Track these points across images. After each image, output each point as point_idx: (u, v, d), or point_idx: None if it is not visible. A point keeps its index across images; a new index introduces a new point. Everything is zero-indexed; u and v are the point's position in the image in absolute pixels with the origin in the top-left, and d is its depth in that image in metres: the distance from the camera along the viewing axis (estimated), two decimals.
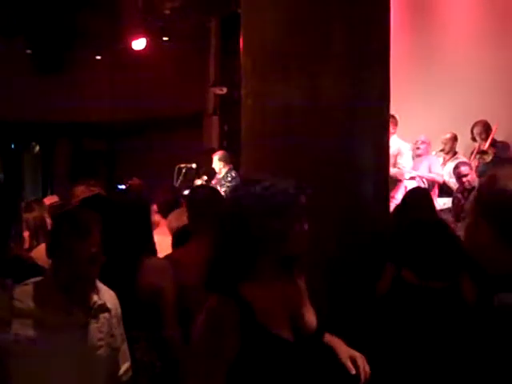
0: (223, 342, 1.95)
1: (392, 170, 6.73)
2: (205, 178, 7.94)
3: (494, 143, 7.18)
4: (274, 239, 2.02)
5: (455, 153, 7.46)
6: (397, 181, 7.11)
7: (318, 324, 2.14)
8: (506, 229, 1.49)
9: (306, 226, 2.12)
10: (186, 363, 2.17)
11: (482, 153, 7.07)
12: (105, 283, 2.68)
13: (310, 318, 2.15)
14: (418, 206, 4.21)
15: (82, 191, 4.80)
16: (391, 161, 6.79)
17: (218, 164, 8.06)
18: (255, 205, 2.03)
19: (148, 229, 3.26)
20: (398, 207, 4.46)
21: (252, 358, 1.96)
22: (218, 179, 7.97)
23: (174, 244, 3.80)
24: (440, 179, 7.20)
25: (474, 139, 7.39)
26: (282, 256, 2.08)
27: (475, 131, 7.32)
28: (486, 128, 7.24)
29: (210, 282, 2.06)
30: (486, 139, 7.21)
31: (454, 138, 7.46)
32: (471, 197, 1.68)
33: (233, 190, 2.40)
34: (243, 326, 1.95)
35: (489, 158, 7.04)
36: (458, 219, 6.13)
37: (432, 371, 2.67)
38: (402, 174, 7.06)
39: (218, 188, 7.33)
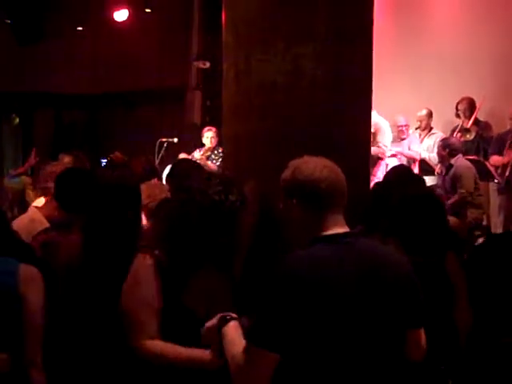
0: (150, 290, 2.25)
1: (373, 148, 6.75)
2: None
3: (477, 122, 7.21)
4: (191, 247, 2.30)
5: (431, 128, 7.55)
6: (377, 159, 7.10)
7: None
8: (311, 203, 1.99)
9: (229, 238, 2.38)
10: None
11: (464, 130, 7.11)
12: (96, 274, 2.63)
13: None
14: (401, 182, 4.23)
15: (68, 162, 4.79)
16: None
17: (214, 139, 7.96)
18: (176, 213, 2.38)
19: (138, 213, 2.99)
20: (378, 184, 4.47)
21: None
22: (207, 153, 7.93)
23: None
24: (417, 156, 7.31)
25: (458, 116, 7.39)
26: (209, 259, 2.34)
27: (460, 107, 7.32)
28: (471, 105, 7.25)
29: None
30: (469, 116, 7.22)
31: (430, 114, 7.53)
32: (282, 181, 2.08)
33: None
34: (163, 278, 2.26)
35: (471, 137, 7.08)
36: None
37: None
38: (383, 152, 7.05)
39: (209, 162, 7.46)
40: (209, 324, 2.11)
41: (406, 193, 3.34)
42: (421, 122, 7.53)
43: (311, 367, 1.88)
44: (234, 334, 2.02)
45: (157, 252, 2.33)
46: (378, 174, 7.06)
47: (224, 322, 2.06)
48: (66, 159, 5.01)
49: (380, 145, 6.96)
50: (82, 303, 2.92)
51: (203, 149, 8.02)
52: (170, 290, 2.27)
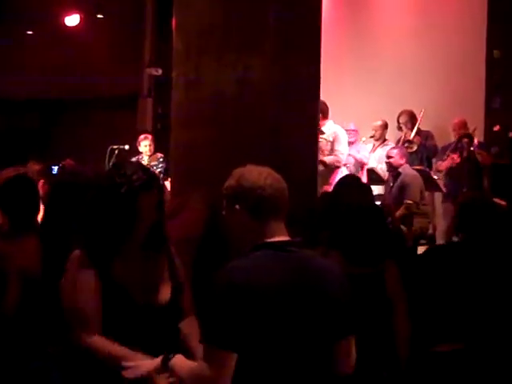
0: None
1: (329, 158, 6.82)
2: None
3: (418, 132, 7.40)
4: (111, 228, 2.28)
5: (385, 140, 7.64)
6: (334, 167, 7.11)
7: (171, 300, 2.40)
8: (255, 209, 2.04)
9: (144, 216, 2.30)
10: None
11: (408, 142, 7.29)
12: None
13: (163, 293, 2.39)
14: (349, 192, 4.29)
15: (37, 170, 4.84)
16: (328, 147, 6.85)
17: (151, 146, 8.10)
18: (98, 195, 2.35)
19: None
20: (326, 194, 4.53)
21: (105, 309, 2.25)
22: (147, 161, 7.97)
23: None
24: (367, 161, 7.43)
25: (399, 128, 7.60)
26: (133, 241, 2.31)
27: (401, 120, 7.54)
28: (412, 117, 7.47)
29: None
30: (411, 128, 7.42)
31: (385, 126, 7.64)
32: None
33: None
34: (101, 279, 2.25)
35: (415, 147, 7.27)
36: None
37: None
38: (340, 161, 7.08)
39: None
40: (153, 365, 2.13)
41: (351, 203, 3.40)
42: (375, 131, 7.60)
43: (266, 366, 1.96)
44: (186, 361, 2.09)
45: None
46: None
47: (168, 358, 2.10)
48: (35, 167, 5.08)
49: (337, 153, 6.99)
50: (42, 311, 2.89)
51: (143, 158, 8.08)
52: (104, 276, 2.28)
